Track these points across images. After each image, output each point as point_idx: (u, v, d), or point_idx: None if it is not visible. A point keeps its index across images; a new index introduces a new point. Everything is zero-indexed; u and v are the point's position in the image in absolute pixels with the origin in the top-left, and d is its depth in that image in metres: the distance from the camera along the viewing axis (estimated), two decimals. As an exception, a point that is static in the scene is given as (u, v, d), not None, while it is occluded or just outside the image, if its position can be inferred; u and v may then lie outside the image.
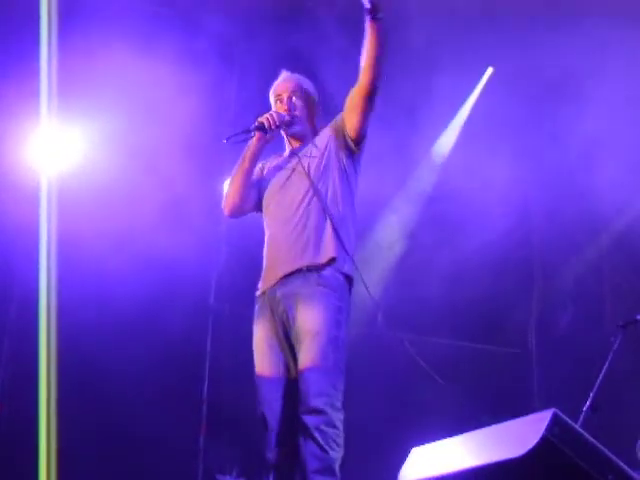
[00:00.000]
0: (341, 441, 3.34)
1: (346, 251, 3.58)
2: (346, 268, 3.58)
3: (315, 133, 3.87)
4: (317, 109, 3.93)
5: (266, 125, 3.71)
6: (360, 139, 3.75)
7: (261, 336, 3.62)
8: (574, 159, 6.95)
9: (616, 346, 5.63)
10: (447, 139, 7.76)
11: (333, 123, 3.81)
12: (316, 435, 3.28)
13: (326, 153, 3.74)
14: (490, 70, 7.62)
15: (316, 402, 3.31)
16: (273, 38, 6.74)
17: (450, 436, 2.69)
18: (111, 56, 6.05)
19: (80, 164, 6.38)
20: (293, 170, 3.77)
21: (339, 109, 3.83)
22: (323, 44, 6.56)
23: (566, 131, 7.05)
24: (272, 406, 3.49)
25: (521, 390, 7.91)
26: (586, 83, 6.61)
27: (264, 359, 3.58)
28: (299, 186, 3.69)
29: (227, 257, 7.05)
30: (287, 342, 3.54)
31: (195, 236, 6.49)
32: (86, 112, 6.25)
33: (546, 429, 2.16)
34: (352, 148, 3.75)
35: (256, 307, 3.70)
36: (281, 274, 3.58)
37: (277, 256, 3.64)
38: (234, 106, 7.08)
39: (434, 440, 2.76)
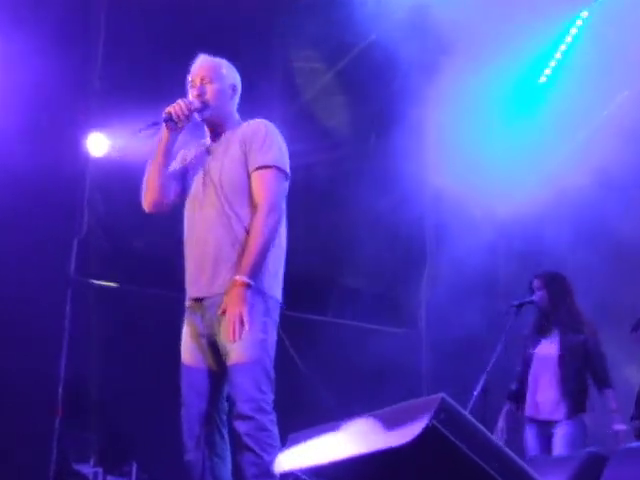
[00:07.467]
0: (275, 442, 3.39)
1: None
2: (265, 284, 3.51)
3: (234, 123, 3.71)
4: (235, 97, 3.76)
5: (173, 116, 3.56)
6: None
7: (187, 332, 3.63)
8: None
9: (509, 327, 5.57)
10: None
11: (244, 141, 3.60)
12: (248, 441, 3.34)
13: (235, 157, 3.59)
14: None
15: (243, 408, 3.37)
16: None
17: (332, 421, 2.51)
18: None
19: None
20: (206, 171, 3.64)
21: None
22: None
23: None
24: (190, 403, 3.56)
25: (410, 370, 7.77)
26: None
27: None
28: (211, 195, 3.57)
29: (89, 227, 6.63)
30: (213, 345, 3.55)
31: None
32: None
33: (433, 415, 2.09)
34: None
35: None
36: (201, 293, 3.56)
37: (194, 271, 3.60)
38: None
39: (313, 425, 2.57)
